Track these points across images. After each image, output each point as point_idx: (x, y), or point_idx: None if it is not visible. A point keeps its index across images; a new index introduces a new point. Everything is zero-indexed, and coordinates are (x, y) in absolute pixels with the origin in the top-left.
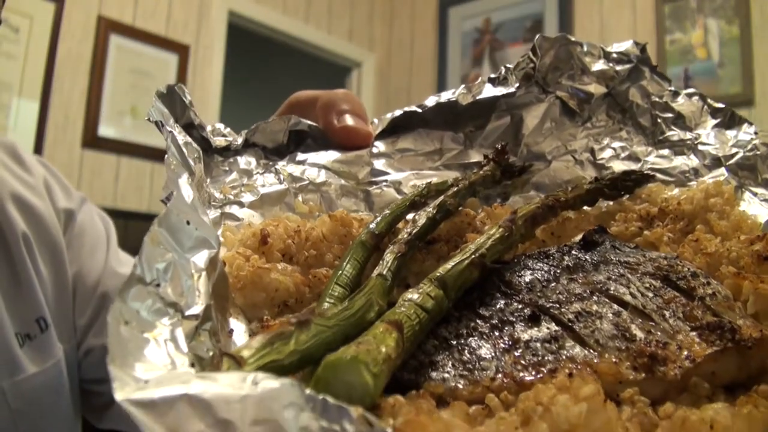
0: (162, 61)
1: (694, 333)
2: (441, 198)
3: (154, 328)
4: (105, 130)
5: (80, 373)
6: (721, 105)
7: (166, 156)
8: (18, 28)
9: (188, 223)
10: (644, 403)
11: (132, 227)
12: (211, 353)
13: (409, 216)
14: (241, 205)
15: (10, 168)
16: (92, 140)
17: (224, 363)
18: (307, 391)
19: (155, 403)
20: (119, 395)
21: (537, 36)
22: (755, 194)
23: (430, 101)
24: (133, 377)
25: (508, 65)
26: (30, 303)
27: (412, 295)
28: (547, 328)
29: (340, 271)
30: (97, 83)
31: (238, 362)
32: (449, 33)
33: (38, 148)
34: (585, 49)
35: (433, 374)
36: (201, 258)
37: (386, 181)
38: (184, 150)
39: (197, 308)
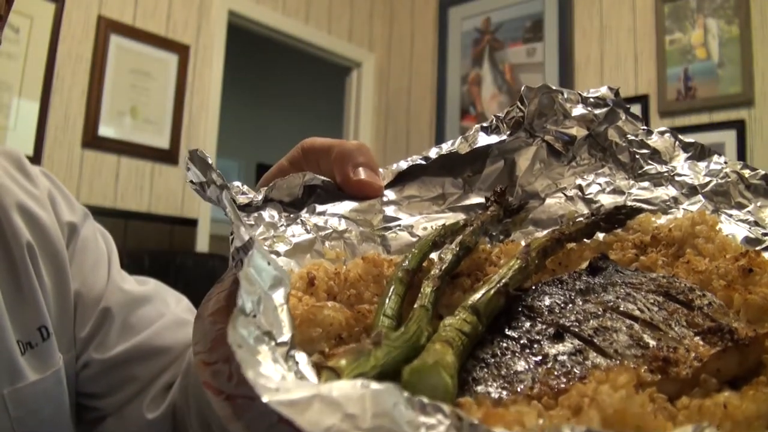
0: (162, 61)
1: (698, 337)
2: (461, 237)
3: (259, 353)
4: (105, 130)
5: (77, 386)
6: (690, 140)
7: (226, 210)
8: (18, 28)
9: (269, 263)
10: (663, 399)
11: (132, 227)
12: (299, 375)
13: (432, 254)
14: (277, 254)
15: (15, 179)
16: (92, 140)
17: (324, 375)
18: (405, 393)
19: (295, 402)
20: (265, 398)
21: (522, 87)
22: (730, 216)
23: (432, 152)
24: (264, 386)
25: (498, 114)
26: (32, 311)
27: (452, 320)
28: (571, 344)
29: (385, 305)
30: (97, 83)
31: (336, 373)
32: (449, 33)
33: (38, 148)
34: (565, 95)
35: (478, 389)
36: (279, 294)
37: (399, 225)
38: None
39: (285, 337)
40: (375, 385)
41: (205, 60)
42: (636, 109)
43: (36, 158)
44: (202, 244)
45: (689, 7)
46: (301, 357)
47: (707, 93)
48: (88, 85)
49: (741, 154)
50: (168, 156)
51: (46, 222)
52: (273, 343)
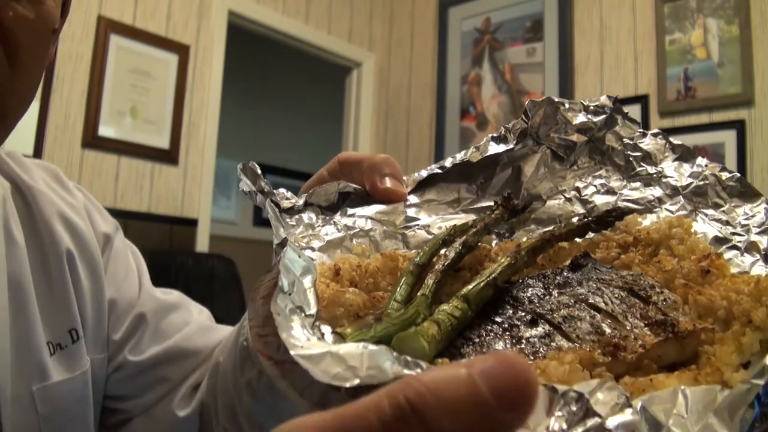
0: (162, 61)
1: (646, 328)
2: (464, 237)
3: (292, 320)
4: (105, 130)
5: (106, 389)
6: (678, 142)
7: (268, 215)
8: None
9: (299, 256)
10: (610, 377)
11: (132, 227)
12: (323, 336)
13: (442, 251)
14: (312, 249)
15: (55, 190)
16: (92, 140)
17: (333, 338)
18: (394, 353)
19: (313, 356)
20: (292, 352)
21: (527, 101)
22: (706, 215)
23: (448, 162)
24: (293, 343)
25: (506, 126)
26: (64, 314)
27: (445, 306)
28: (543, 329)
29: (397, 292)
30: (97, 83)
31: (342, 337)
32: (449, 33)
33: (38, 148)
34: (567, 106)
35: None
36: (308, 280)
37: (418, 225)
38: (276, 213)
39: (312, 311)
40: (371, 347)
41: (205, 60)
42: (636, 109)
43: (36, 158)
44: (202, 244)
45: (689, 7)
46: (326, 329)
47: (707, 93)
48: (88, 85)
49: (741, 154)
50: (168, 156)
51: (84, 231)
52: (303, 315)
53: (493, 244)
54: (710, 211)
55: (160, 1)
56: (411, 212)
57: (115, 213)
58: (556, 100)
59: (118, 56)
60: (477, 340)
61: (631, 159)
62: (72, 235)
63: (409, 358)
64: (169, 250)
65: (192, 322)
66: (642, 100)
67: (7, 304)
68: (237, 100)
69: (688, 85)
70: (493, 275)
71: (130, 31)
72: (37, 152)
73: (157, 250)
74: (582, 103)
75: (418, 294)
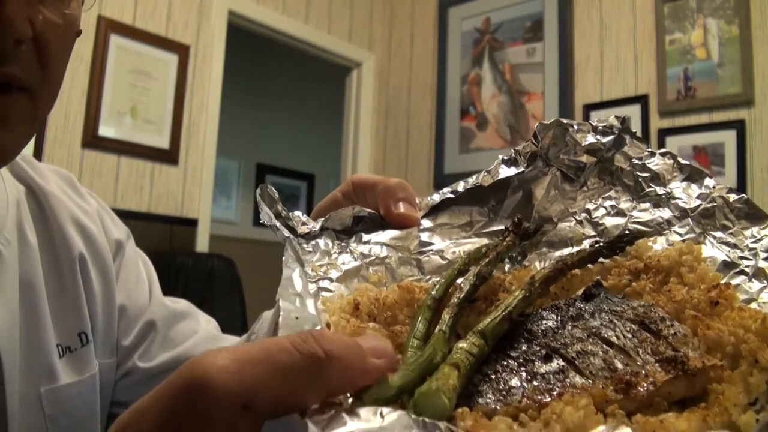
0: (162, 61)
1: (657, 364)
2: (478, 268)
3: None
4: (105, 130)
5: (114, 395)
6: (686, 162)
7: (284, 258)
8: None
9: (296, 318)
10: (622, 415)
11: (132, 227)
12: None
13: (459, 280)
14: (330, 280)
15: (69, 195)
16: (92, 140)
17: (351, 400)
18: (413, 416)
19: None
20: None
21: (537, 124)
22: (715, 238)
23: (460, 186)
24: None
25: (516, 148)
26: (74, 317)
27: (463, 344)
28: (557, 364)
29: (415, 328)
30: (97, 83)
31: (361, 399)
32: (449, 33)
33: (38, 148)
34: (576, 127)
35: (479, 400)
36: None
37: (432, 250)
38: (296, 245)
39: None
40: (390, 414)
41: (205, 60)
42: (636, 109)
43: (36, 158)
44: (202, 244)
45: (689, 7)
46: None
47: (707, 93)
48: (88, 85)
49: (741, 154)
50: (168, 156)
51: (97, 236)
52: None
53: (506, 269)
54: (718, 234)
55: (160, 1)
56: (424, 237)
57: (115, 213)
58: (565, 121)
59: (118, 56)
60: (493, 376)
61: (640, 179)
62: (85, 239)
63: (427, 420)
64: (169, 250)
65: (200, 331)
66: (642, 100)
67: (18, 305)
68: (237, 100)
69: (688, 85)
70: (509, 309)
71: (130, 31)
72: (37, 152)
73: (157, 250)
74: (591, 123)
75: (436, 330)
